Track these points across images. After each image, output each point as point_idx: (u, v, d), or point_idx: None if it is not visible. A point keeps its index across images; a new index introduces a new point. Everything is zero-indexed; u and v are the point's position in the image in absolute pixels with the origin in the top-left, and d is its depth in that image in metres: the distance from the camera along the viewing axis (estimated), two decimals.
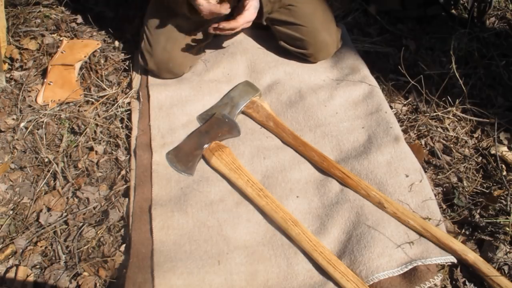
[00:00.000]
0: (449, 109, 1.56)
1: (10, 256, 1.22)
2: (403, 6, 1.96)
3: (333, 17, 1.70)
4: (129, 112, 1.57)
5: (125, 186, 1.36)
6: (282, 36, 1.68)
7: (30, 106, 1.60)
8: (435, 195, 1.32)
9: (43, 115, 1.56)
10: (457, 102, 1.56)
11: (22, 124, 1.53)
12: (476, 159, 1.44)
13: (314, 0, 1.66)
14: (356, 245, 1.18)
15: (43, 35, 1.86)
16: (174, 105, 1.55)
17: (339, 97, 1.59)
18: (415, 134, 1.51)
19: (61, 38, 1.86)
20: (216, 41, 1.76)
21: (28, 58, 1.77)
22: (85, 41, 1.83)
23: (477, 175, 1.40)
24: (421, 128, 1.53)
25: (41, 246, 1.24)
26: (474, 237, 1.24)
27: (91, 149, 1.47)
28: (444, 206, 1.32)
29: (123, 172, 1.39)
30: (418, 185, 1.30)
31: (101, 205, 1.32)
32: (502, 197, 1.31)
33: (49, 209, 1.31)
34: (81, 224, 1.28)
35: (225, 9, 1.42)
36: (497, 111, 1.58)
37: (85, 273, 1.17)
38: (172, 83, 1.62)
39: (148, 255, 1.17)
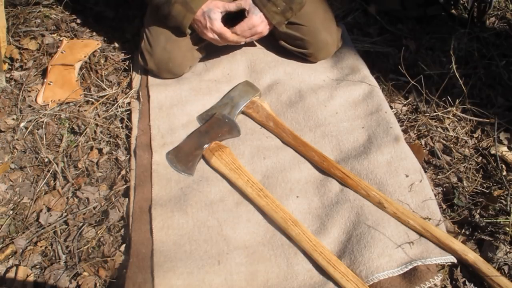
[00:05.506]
0: (449, 109, 1.56)
1: (10, 256, 1.22)
2: (403, 6, 1.96)
3: (333, 17, 1.70)
4: (129, 112, 1.57)
5: (125, 186, 1.36)
6: (282, 36, 1.68)
7: (30, 106, 1.60)
8: (435, 195, 1.32)
9: (43, 115, 1.56)
10: (457, 102, 1.56)
11: (22, 124, 1.53)
12: (476, 159, 1.44)
13: (315, 0, 1.66)
14: (356, 245, 1.18)
15: (43, 35, 1.86)
16: (174, 105, 1.55)
17: (339, 97, 1.59)
18: (415, 134, 1.51)
19: (61, 38, 1.86)
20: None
21: (28, 58, 1.77)
22: (85, 41, 1.83)
23: (477, 175, 1.40)
24: (421, 128, 1.53)
25: (41, 246, 1.24)
26: (474, 237, 1.24)
27: (91, 149, 1.47)
28: (444, 206, 1.32)
29: (123, 172, 1.39)
30: (418, 185, 1.30)
31: (101, 205, 1.32)
32: (502, 197, 1.31)
33: (49, 209, 1.31)
34: (81, 224, 1.28)
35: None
36: (497, 111, 1.58)
37: (85, 273, 1.17)
38: (172, 83, 1.62)
39: (148, 255, 1.17)
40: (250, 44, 1.77)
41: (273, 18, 1.44)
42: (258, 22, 1.46)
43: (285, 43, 1.69)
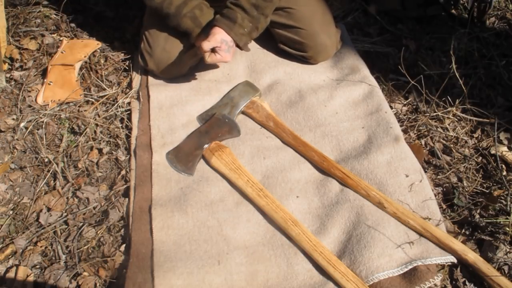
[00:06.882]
0: (449, 109, 1.56)
1: (10, 256, 1.22)
2: (403, 6, 1.96)
3: (332, 19, 1.71)
4: (129, 112, 1.57)
5: (125, 186, 1.36)
6: (281, 39, 1.69)
7: (30, 106, 1.60)
8: (435, 195, 1.32)
9: (43, 115, 1.56)
10: (457, 102, 1.56)
11: (22, 124, 1.53)
12: (476, 159, 1.44)
13: (313, 2, 1.66)
14: (356, 245, 1.18)
15: (43, 35, 1.86)
16: (174, 105, 1.55)
17: (339, 97, 1.59)
18: (415, 134, 1.51)
19: (61, 38, 1.85)
20: None
21: (28, 58, 1.77)
22: (85, 41, 1.83)
23: (477, 175, 1.40)
24: (421, 128, 1.53)
25: (41, 246, 1.24)
26: (474, 237, 1.24)
27: (91, 149, 1.47)
28: (444, 206, 1.32)
29: (123, 172, 1.39)
30: (418, 185, 1.30)
31: (101, 205, 1.32)
32: (502, 197, 1.31)
33: (49, 209, 1.31)
34: (81, 224, 1.28)
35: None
36: (497, 111, 1.58)
37: (85, 273, 1.17)
38: (172, 83, 1.62)
39: (148, 255, 1.17)
40: (250, 44, 1.77)
41: (240, 40, 1.44)
42: (228, 59, 1.44)
43: (284, 46, 1.70)
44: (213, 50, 1.43)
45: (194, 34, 1.48)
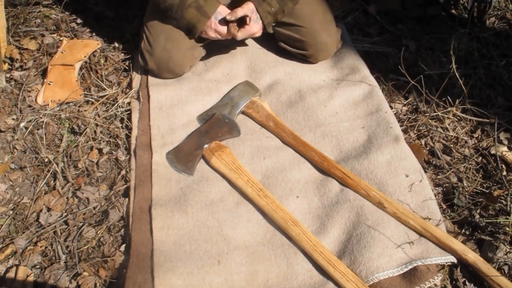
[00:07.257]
0: (449, 109, 1.56)
1: (10, 256, 1.22)
2: (403, 6, 1.97)
3: (333, 17, 1.71)
4: (129, 112, 1.57)
5: (125, 186, 1.36)
6: (282, 37, 1.68)
7: (30, 106, 1.60)
8: (435, 195, 1.32)
9: (43, 115, 1.56)
10: (457, 102, 1.56)
11: (22, 124, 1.53)
12: (476, 159, 1.44)
13: (314, 1, 1.66)
14: (356, 245, 1.18)
15: (43, 35, 1.86)
16: (174, 105, 1.55)
17: (339, 97, 1.59)
18: (415, 134, 1.51)
19: (61, 38, 1.86)
20: (216, 41, 1.76)
21: (28, 58, 1.77)
22: (85, 41, 1.83)
23: (477, 175, 1.40)
24: (421, 128, 1.53)
25: (41, 246, 1.24)
26: (474, 237, 1.24)
27: (91, 149, 1.47)
28: (444, 206, 1.32)
29: (123, 172, 1.39)
30: (418, 185, 1.30)
31: (101, 205, 1.32)
32: (502, 197, 1.31)
33: (49, 209, 1.31)
34: (81, 224, 1.28)
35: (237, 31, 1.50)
36: (497, 111, 1.58)
37: (85, 273, 1.17)
38: (172, 83, 1.62)
39: (148, 255, 1.17)
40: (250, 44, 1.78)
41: (266, 18, 1.49)
42: (256, 29, 1.51)
43: (284, 44, 1.70)
44: (239, 26, 1.48)
45: (199, 25, 1.48)
